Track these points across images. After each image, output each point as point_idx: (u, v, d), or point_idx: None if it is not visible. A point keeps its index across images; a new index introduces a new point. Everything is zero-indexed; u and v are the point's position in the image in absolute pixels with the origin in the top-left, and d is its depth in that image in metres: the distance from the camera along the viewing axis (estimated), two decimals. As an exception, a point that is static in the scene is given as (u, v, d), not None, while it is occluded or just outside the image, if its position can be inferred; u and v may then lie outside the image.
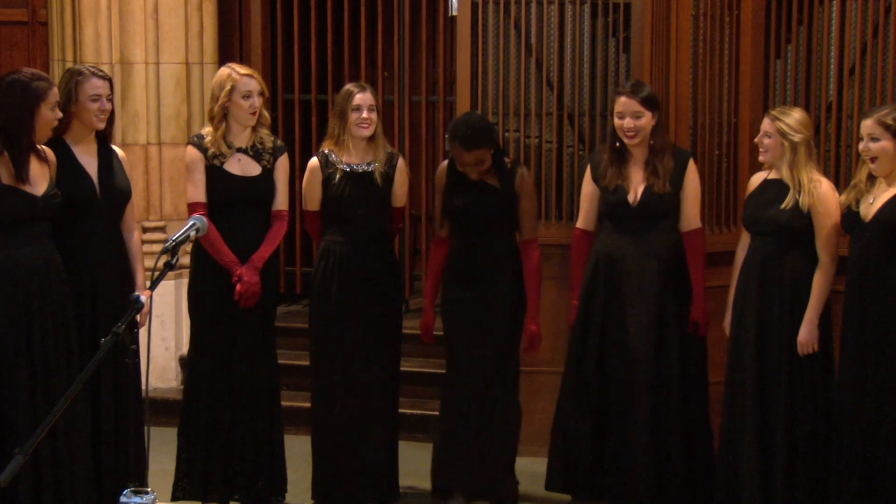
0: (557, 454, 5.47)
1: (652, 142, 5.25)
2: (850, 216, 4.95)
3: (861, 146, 4.89)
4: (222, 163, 5.28)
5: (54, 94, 4.85)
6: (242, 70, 5.33)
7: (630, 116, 5.22)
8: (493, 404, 5.47)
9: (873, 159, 4.86)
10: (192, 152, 5.31)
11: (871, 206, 4.88)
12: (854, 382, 4.96)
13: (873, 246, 4.88)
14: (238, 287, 5.22)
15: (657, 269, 5.24)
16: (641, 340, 5.24)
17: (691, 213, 5.34)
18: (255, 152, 5.33)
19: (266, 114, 5.38)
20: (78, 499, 4.88)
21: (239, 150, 5.31)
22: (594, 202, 5.42)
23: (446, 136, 5.56)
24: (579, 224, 5.49)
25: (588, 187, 5.44)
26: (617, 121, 5.25)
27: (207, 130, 5.34)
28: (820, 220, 5.03)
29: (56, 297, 4.85)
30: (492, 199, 5.43)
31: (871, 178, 4.94)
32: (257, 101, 5.26)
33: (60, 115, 4.89)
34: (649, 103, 5.22)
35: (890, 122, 4.81)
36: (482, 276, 5.47)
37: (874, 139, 4.83)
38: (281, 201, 5.38)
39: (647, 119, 5.22)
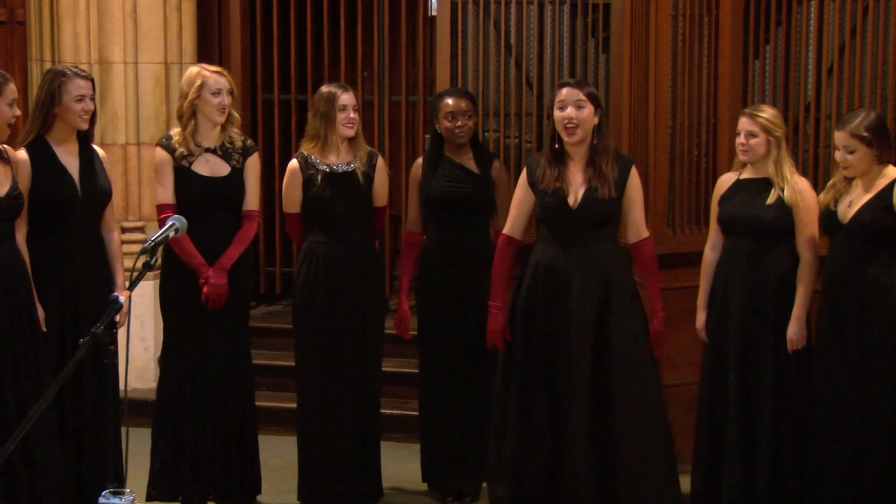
0: (510, 489, 5.14)
1: (594, 142, 5.00)
2: (828, 217, 4.97)
3: (838, 156, 4.90)
4: (190, 163, 5.26)
5: (11, 91, 4.84)
6: (212, 68, 5.33)
7: (572, 106, 4.93)
8: (477, 392, 5.47)
9: (847, 167, 4.88)
10: (161, 154, 5.28)
11: (850, 208, 4.90)
12: (832, 385, 4.96)
13: (851, 248, 4.90)
14: (205, 289, 5.20)
15: (600, 279, 4.97)
16: (582, 357, 4.97)
17: (638, 224, 5.08)
18: (224, 152, 5.31)
19: (235, 114, 5.36)
20: (54, 499, 4.87)
21: (207, 150, 5.29)
22: (525, 208, 5.10)
23: (431, 107, 5.64)
24: (505, 230, 5.16)
25: (521, 192, 5.11)
26: (558, 112, 4.97)
27: (175, 132, 5.32)
28: (801, 217, 5.05)
29: (22, 297, 4.83)
30: (474, 183, 5.53)
31: (849, 179, 4.96)
32: (227, 99, 5.25)
33: (19, 112, 4.89)
34: (592, 98, 5.00)
35: (863, 132, 4.82)
36: (462, 262, 5.51)
37: (850, 151, 4.85)
38: (251, 201, 5.37)
39: (589, 112, 4.96)
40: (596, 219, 4.99)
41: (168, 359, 5.39)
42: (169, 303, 5.38)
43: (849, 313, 4.91)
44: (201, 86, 5.21)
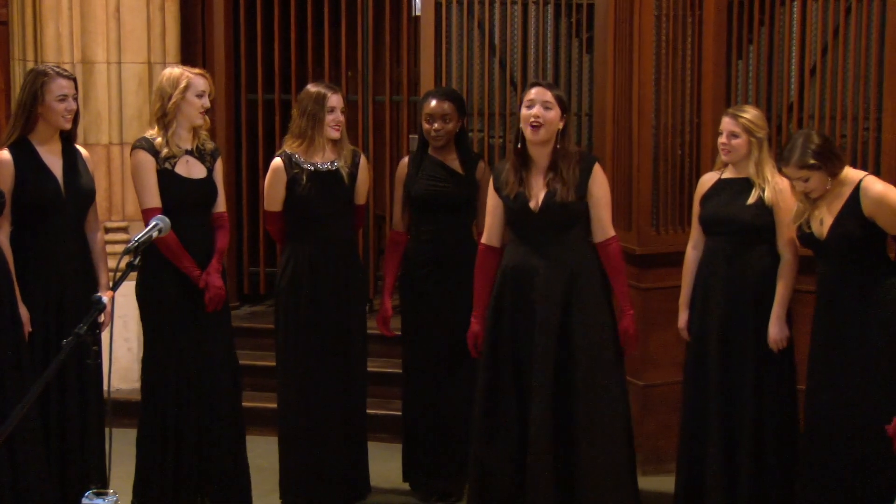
0: (476, 490, 5.14)
1: (558, 146, 4.95)
2: (806, 239, 4.94)
3: (798, 188, 4.86)
4: (174, 165, 5.22)
5: None
6: (195, 70, 5.31)
7: (540, 105, 4.89)
8: (460, 393, 5.48)
9: (809, 193, 4.84)
10: (143, 156, 5.18)
11: (822, 226, 4.86)
12: (831, 395, 4.90)
13: (836, 263, 4.86)
14: (208, 294, 5.19)
15: (565, 280, 4.95)
16: (545, 355, 4.96)
17: (604, 222, 5.02)
18: (199, 154, 5.30)
19: (207, 118, 5.33)
20: (37, 500, 4.86)
21: (187, 151, 5.27)
22: (497, 214, 5.10)
23: (419, 106, 5.63)
24: (483, 239, 5.17)
25: (492, 200, 5.11)
26: (525, 111, 4.93)
27: (151, 134, 5.23)
28: (782, 217, 5.06)
29: (5, 298, 4.83)
30: (457, 183, 5.54)
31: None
32: (208, 102, 5.25)
33: None
34: (560, 102, 4.97)
35: (809, 161, 4.78)
36: (445, 262, 5.53)
37: (805, 179, 4.82)
38: (222, 203, 5.37)
39: (556, 115, 4.91)
40: (558, 222, 4.98)
41: (154, 361, 5.34)
42: (152, 305, 5.31)
43: (846, 325, 4.85)
44: (186, 87, 5.18)
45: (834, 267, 4.89)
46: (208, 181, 5.28)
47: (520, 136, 4.99)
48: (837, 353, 4.88)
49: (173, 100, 5.17)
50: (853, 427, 4.84)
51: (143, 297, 5.33)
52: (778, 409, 5.11)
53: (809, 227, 4.89)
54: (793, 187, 4.94)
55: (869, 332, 4.81)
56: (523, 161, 5.02)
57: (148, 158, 5.18)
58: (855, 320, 4.84)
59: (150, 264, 5.21)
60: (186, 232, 5.16)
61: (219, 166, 5.36)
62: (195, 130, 5.28)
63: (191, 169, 5.25)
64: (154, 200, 5.18)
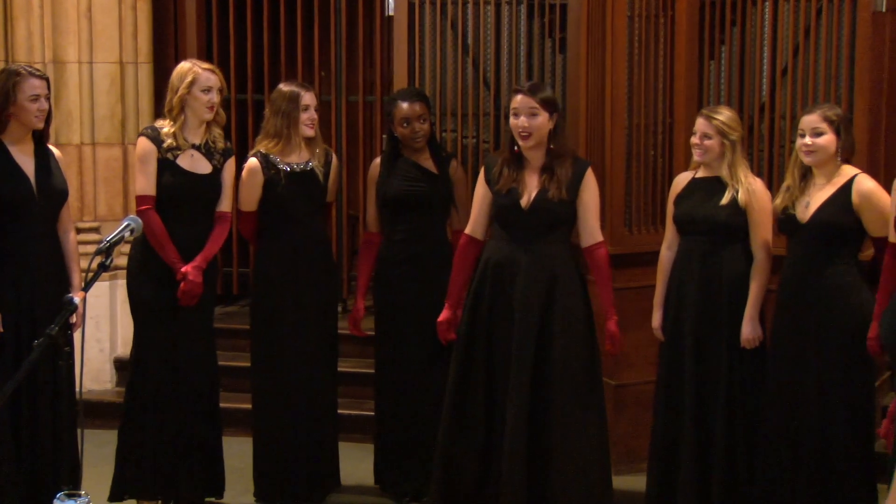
0: (439, 482, 5.20)
1: (551, 146, 5.02)
2: (786, 219, 4.99)
3: (800, 142, 4.93)
4: (176, 156, 5.24)
5: None
6: (205, 65, 5.31)
7: (525, 115, 4.95)
8: (432, 393, 5.47)
9: (810, 152, 4.91)
10: (146, 143, 5.24)
11: (808, 209, 4.93)
12: (788, 385, 4.98)
13: (811, 247, 4.92)
14: (182, 286, 5.18)
15: (546, 279, 4.99)
16: (522, 352, 4.97)
17: (592, 226, 5.08)
18: (207, 150, 5.30)
19: (222, 113, 5.35)
20: (8, 501, 4.83)
21: (193, 146, 5.28)
22: (485, 206, 5.13)
23: (385, 111, 5.65)
24: (467, 229, 5.20)
25: (481, 190, 5.14)
26: (512, 119, 5.00)
27: (161, 123, 5.29)
28: (756, 217, 5.08)
29: None
30: (431, 182, 5.54)
31: (804, 179, 4.99)
32: (216, 97, 5.25)
33: None
34: (547, 104, 5.00)
35: (833, 116, 4.88)
36: (419, 262, 5.53)
37: (818, 133, 4.88)
38: (226, 203, 5.36)
39: (543, 119, 4.97)
40: (546, 221, 5.02)
41: (140, 357, 5.34)
42: (141, 302, 5.32)
43: (807, 312, 4.92)
44: (192, 82, 5.21)
45: (805, 254, 4.93)
46: (211, 178, 5.28)
47: (513, 140, 5.04)
48: (795, 341, 4.94)
49: (179, 93, 5.22)
50: (812, 417, 4.91)
51: (130, 288, 5.35)
52: (751, 408, 5.13)
53: (793, 210, 4.93)
54: (790, 161, 5.01)
55: (828, 321, 4.87)
56: (518, 160, 5.06)
57: (148, 146, 5.23)
58: (814, 314, 4.90)
59: (137, 255, 5.23)
60: (179, 225, 5.20)
61: (229, 166, 5.36)
62: (207, 126, 5.28)
63: (195, 163, 5.27)
64: (148, 188, 5.22)
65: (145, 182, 5.22)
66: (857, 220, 4.86)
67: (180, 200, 5.23)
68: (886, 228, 4.74)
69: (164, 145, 5.22)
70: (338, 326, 5.68)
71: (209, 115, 5.26)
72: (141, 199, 5.22)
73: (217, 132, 5.34)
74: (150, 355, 5.30)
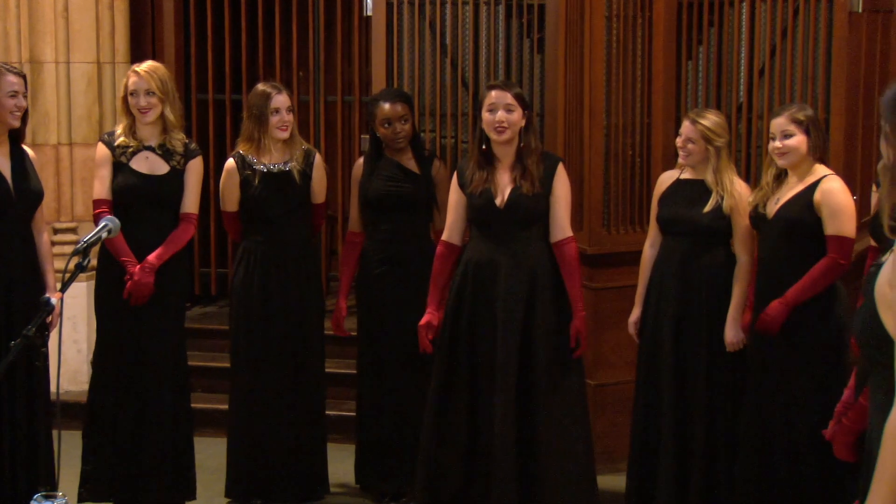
0: (423, 483, 5.18)
1: (522, 143, 5.02)
2: (756, 216, 5.02)
3: (772, 145, 4.94)
4: (129, 158, 5.23)
5: None
6: (142, 67, 5.27)
7: (503, 109, 4.95)
8: (414, 394, 5.47)
9: (782, 154, 4.92)
10: (101, 149, 5.28)
11: (776, 205, 4.95)
12: (759, 381, 5.01)
13: (776, 244, 4.94)
14: (128, 285, 5.16)
15: (527, 278, 4.99)
16: (508, 352, 4.97)
17: (562, 221, 5.06)
18: (164, 151, 5.28)
19: (170, 116, 5.25)
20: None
21: (148, 147, 5.26)
22: (460, 211, 5.13)
23: (367, 111, 5.64)
24: (444, 236, 5.19)
25: (454, 195, 5.14)
26: (487, 115, 4.99)
27: (118, 127, 5.30)
28: (738, 219, 5.09)
29: None
30: (414, 183, 5.53)
31: (778, 180, 5.01)
32: (143, 100, 5.20)
33: None
34: (521, 100, 5.03)
35: (801, 117, 4.89)
36: (402, 262, 5.52)
37: (787, 135, 4.90)
38: (189, 204, 5.32)
39: (518, 115, 4.97)
40: (522, 217, 5.02)
41: (100, 359, 5.33)
42: (102, 303, 5.32)
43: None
44: (125, 86, 5.24)
45: (771, 249, 4.95)
46: (168, 178, 5.25)
47: (483, 138, 5.04)
48: (769, 347, 4.94)
49: (119, 97, 5.29)
50: (782, 411, 4.93)
51: (96, 295, 5.35)
52: (730, 409, 5.14)
53: (764, 208, 4.96)
54: (766, 160, 5.01)
55: (795, 332, 4.87)
56: (488, 160, 5.06)
57: (104, 151, 5.27)
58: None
59: (103, 263, 5.23)
60: (136, 226, 5.17)
61: (193, 166, 5.31)
62: (164, 129, 5.25)
63: (151, 165, 5.25)
64: (102, 192, 5.25)
65: (99, 186, 5.25)
66: (819, 218, 4.87)
67: (137, 202, 5.22)
68: (835, 227, 4.78)
69: (117, 148, 5.24)
70: (323, 327, 5.65)
71: (145, 119, 5.20)
72: (95, 203, 5.26)
73: (176, 135, 5.29)
74: (107, 357, 5.28)
